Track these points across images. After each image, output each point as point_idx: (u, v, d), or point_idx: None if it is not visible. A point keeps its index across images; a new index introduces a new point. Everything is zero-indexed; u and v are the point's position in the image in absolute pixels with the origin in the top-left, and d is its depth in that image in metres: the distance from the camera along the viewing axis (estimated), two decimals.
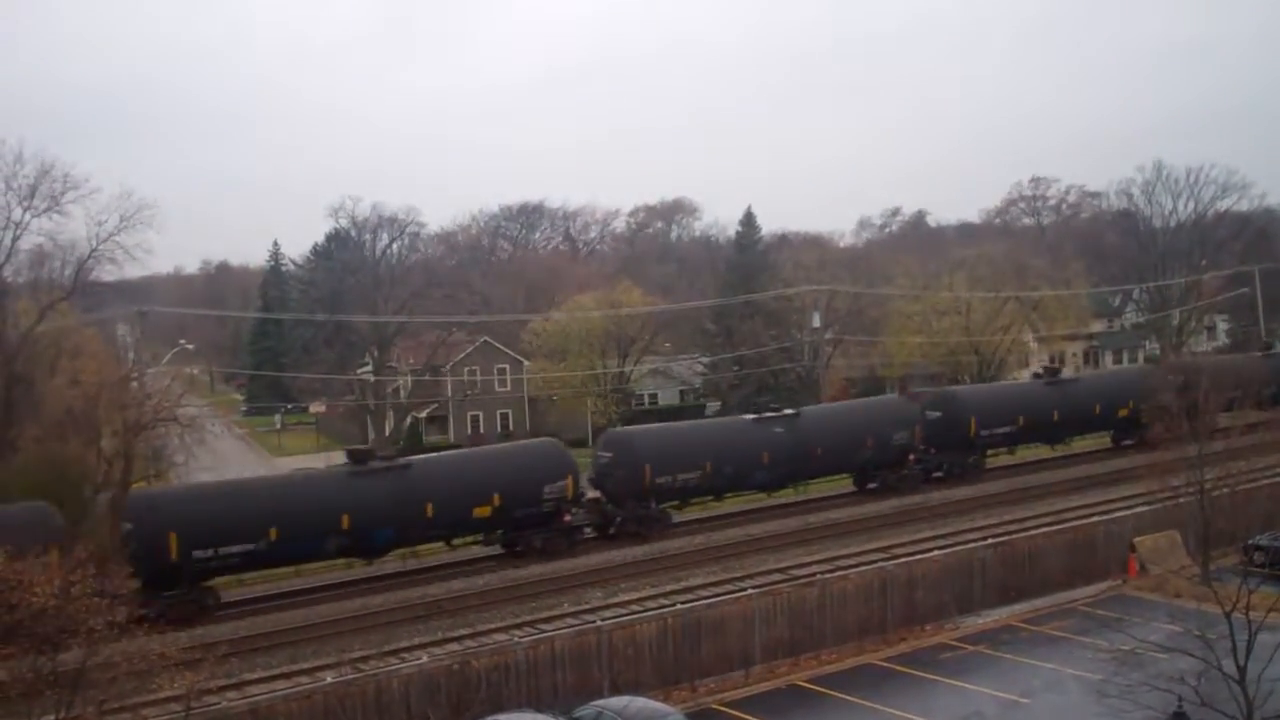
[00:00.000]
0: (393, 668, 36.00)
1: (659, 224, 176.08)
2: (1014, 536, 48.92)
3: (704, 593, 45.59)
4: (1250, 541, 44.64)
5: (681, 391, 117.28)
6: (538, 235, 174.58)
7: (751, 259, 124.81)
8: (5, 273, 73.38)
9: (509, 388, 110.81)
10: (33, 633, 28.51)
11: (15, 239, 71.04)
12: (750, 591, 42.00)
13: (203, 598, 48.22)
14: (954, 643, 40.71)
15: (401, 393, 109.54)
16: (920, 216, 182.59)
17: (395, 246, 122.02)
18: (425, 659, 36.93)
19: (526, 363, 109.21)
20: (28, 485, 54.91)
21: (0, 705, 29.02)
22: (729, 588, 45.50)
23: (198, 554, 47.35)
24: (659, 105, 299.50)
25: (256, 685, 37.41)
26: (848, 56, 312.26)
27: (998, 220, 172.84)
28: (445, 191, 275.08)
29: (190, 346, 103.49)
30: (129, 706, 31.37)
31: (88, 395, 65.40)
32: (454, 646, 40.49)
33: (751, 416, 65.06)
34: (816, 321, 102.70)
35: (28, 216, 69.89)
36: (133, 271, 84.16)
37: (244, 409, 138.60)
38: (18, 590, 28.34)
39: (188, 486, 61.53)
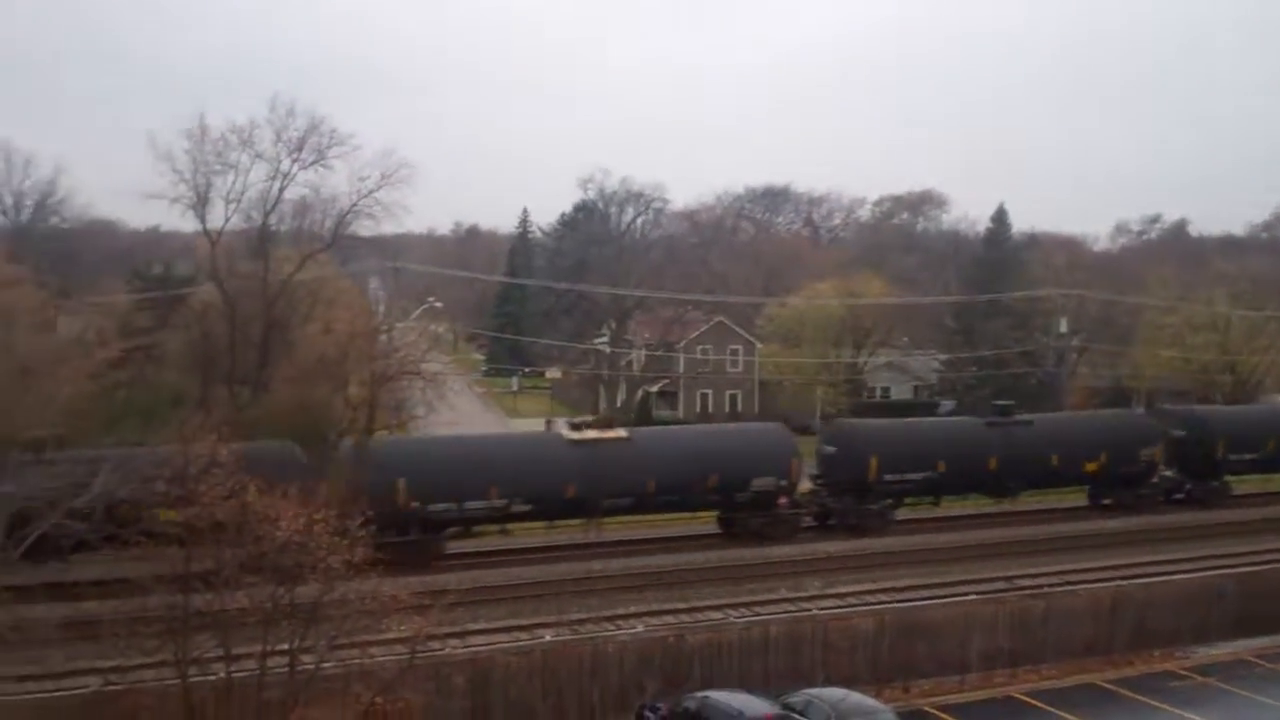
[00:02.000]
0: (609, 633, 36.68)
1: (905, 215, 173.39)
2: (1263, 568, 47.03)
3: (923, 593, 45.13)
4: None
5: (915, 387, 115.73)
6: (780, 219, 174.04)
7: (999, 257, 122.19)
8: (270, 221, 76.66)
9: (740, 369, 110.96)
10: (275, 565, 29.93)
11: (282, 189, 74.15)
12: (972, 597, 41.46)
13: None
14: (1184, 671, 39.53)
15: (635, 366, 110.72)
16: (1181, 225, 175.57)
17: (639, 221, 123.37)
18: (641, 628, 37.50)
19: (759, 345, 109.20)
20: (276, 425, 57.41)
21: (240, 631, 30.57)
22: (947, 591, 44.97)
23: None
24: (918, 93, 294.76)
25: (477, 636, 38.52)
26: (1130, 59, 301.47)
27: (1264, 235, 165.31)
28: (692, 169, 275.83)
29: (438, 305, 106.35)
30: (358, 643, 32.61)
31: (339, 344, 68.04)
32: (669, 619, 41.01)
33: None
34: (1063, 327, 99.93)
35: (295, 168, 72.82)
36: (388, 228, 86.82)
37: (483, 369, 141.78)
38: (264, 523, 29.77)
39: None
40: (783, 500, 55.42)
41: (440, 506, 50.02)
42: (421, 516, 49.79)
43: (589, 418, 64.06)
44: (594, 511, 53.14)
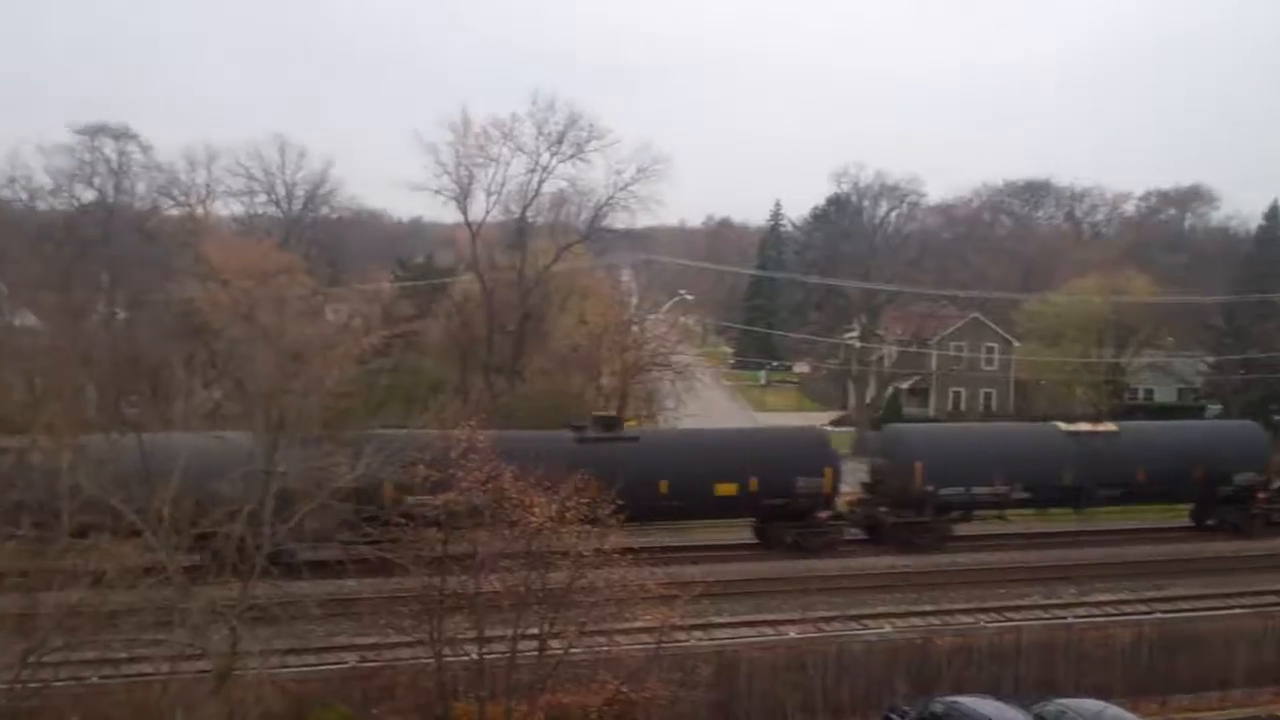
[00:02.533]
0: (855, 632, 36.29)
1: (1171, 211, 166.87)
2: None
3: (1183, 604, 43.21)
4: None
5: (1180, 390, 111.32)
6: (1040, 213, 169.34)
7: (1272, 256, 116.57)
8: (528, 213, 78.37)
9: (995, 367, 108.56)
10: (528, 550, 30.53)
11: (541, 182, 75.77)
12: (1237, 611, 39.67)
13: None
14: None
15: (885, 361, 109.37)
16: None
17: (893, 215, 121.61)
18: (888, 628, 36.99)
19: (1016, 343, 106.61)
20: (530, 412, 58.50)
21: (492, 614, 31.27)
22: (1211, 604, 42.79)
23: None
24: (1185, 87, 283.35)
25: (721, 630, 38.50)
26: None
27: None
28: (949, 163, 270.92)
29: (689, 297, 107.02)
30: (605, 631, 32.98)
31: (592, 334, 69.18)
32: (917, 621, 40.29)
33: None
34: None
35: (554, 162, 74.38)
36: (642, 221, 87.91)
37: (731, 362, 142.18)
38: (518, 509, 30.38)
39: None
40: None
41: (952, 490, 52.08)
42: (935, 500, 51.93)
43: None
44: (1089, 500, 54.75)
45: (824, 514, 51.37)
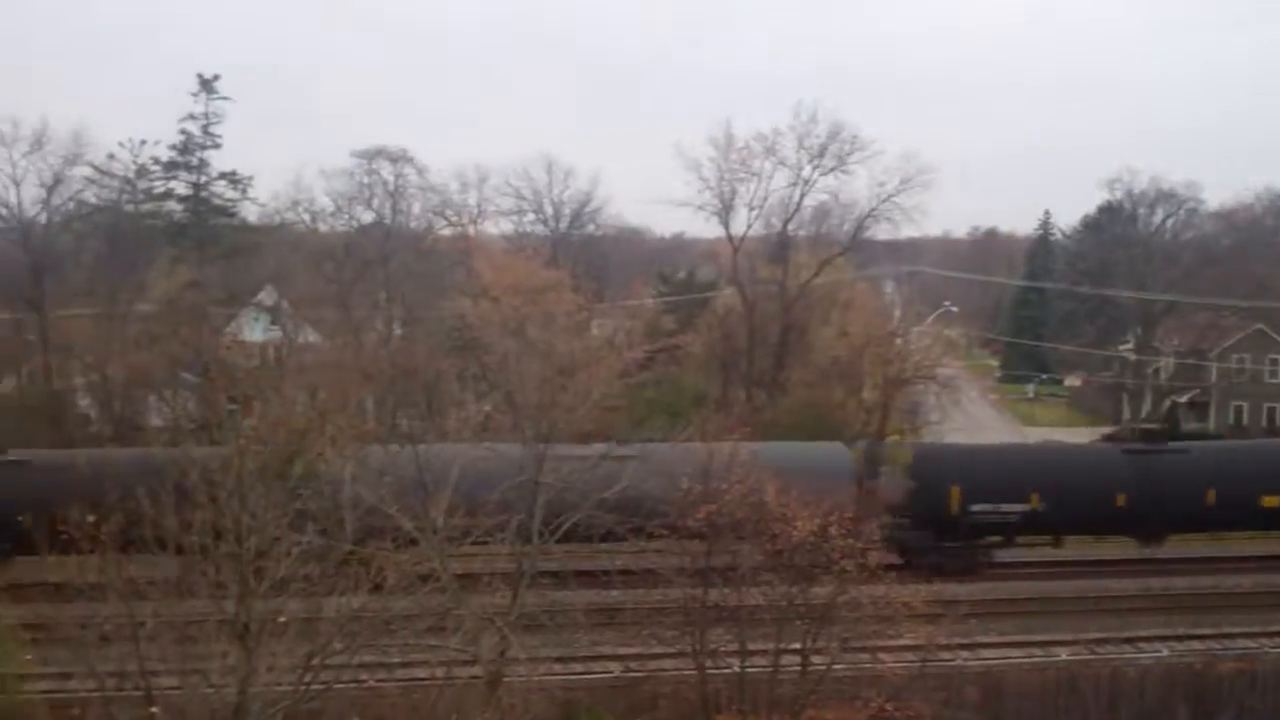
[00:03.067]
0: (1129, 656, 35.14)
1: None
2: None
3: None
4: None
5: None
6: None
7: None
8: (790, 226, 78.35)
9: None
10: (790, 565, 30.55)
11: (803, 195, 75.73)
12: None
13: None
14: None
15: (1162, 374, 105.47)
16: None
17: (1169, 222, 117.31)
18: (1165, 652, 35.68)
19: None
20: (791, 426, 58.45)
21: (754, 628, 31.39)
22: None
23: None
24: None
25: (988, 649, 37.72)
26: None
27: None
28: (1229, 168, 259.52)
29: (954, 309, 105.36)
30: (868, 648, 32.76)
31: (854, 347, 68.71)
32: (1196, 645, 38.63)
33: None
34: None
35: (815, 174, 74.25)
36: (905, 232, 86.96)
37: (998, 375, 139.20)
38: (780, 522, 30.44)
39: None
40: None
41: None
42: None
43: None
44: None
45: None
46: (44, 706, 19.92)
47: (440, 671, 27.90)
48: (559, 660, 34.51)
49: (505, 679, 28.23)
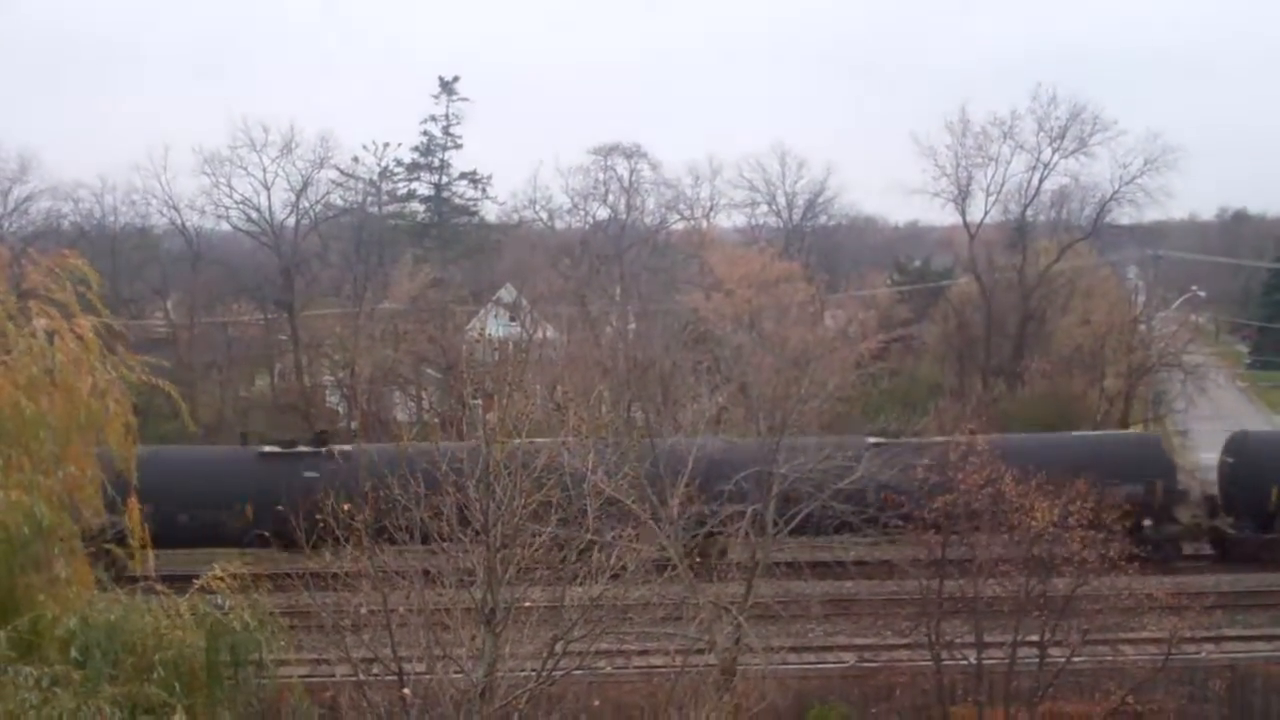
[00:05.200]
0: None
1: None
2: None
3: None
4: None
5: None
6: None
7: None
8: (1028, 212, 76.98)
9: None
10: (1029, 555, 30.26)
11: (1041, 179, 74.33)
12: None
13: None
14: None
15: None
16: None
17: None
18: None
19: None
20: (1030, 416, 57.57)
21: (991, 619, 31.19)
22: None
23: None
24: None
25: (1234, 642, 36.55)
26: None
27: None
28: None
29: (1201, 294, 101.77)
30: (1109, 640, 32.22)
31: (1095, 335, 67.13)
32: None
33: None
34: None
35: (1056, 157, 72.83)
36: (1149, 215, 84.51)
37: (1247, 362, 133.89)
38: (1019, 513, 30.16)
39: None
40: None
41: None
42: None
43: None
44: None
45: None
46: (302, 689, 21.01)
47: (676, 659, 28.48)
48: (793, 650, 34.88)
49: (740, 667, 28.67)
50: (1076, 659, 30.66)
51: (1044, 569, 30.22)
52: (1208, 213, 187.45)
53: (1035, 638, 30.35)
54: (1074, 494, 30.38)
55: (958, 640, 31.50)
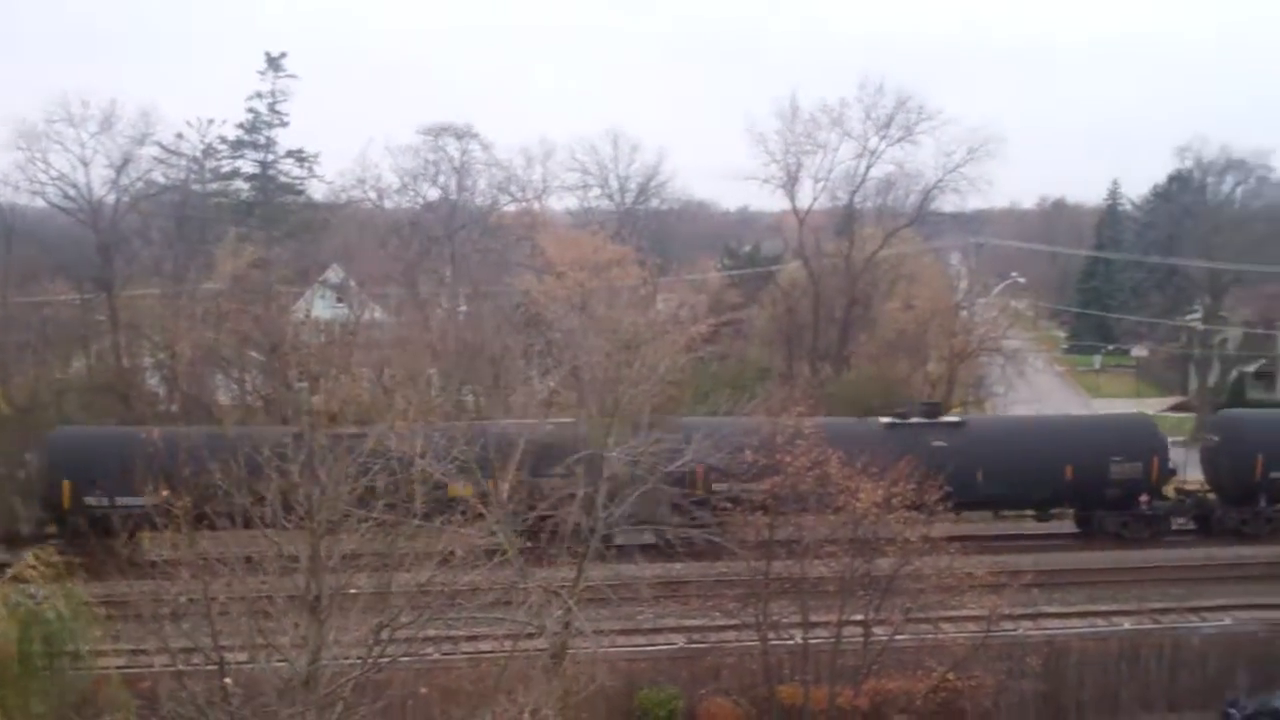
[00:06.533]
0: (1193, 625, 35.08)
1: None
2: None
3: None
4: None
5: None
6: None
7: None
8: (855, 198, 78.13)
9: None
10: (853, 536, 30.74)
11: (869, 167, 75.50)
12: None
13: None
14: None
15: (1230, 344, 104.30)
16: None
17: (1239, 190, 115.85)
18: (1229, 621, 35.58)
19: None
20: (855, 399, 58.43)
21: (817, 599, 31.63)
22: None
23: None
24: None
25: (1052, 620, 37.64)
26: None
27: None
28: None
29: (1020, 280, 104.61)
30: (931, 618, 32.90)
31: (919, 320, 68.48)
32: (1260, 614, 38.29)
33: None
34: None
35: (883, 145, 74.03)
36: (972, 203, 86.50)
37: (1064, 347, 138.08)
38: (844, 495, 30.62)
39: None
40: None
41: None
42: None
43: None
44: None
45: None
46: (119, 680, 20.41)
47: (505, 644, 28.32)
48: (623, 633, 34.95)
49: (570, 651, 28.61)
50: (900, 637, 31.28)
51: (869, 549, 30.73)
52: (1028, 201, 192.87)
53: (860, 617, 30.87)
54: (896, 475, 30.98)
55: (785, 621, 31.88)
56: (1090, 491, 48.52)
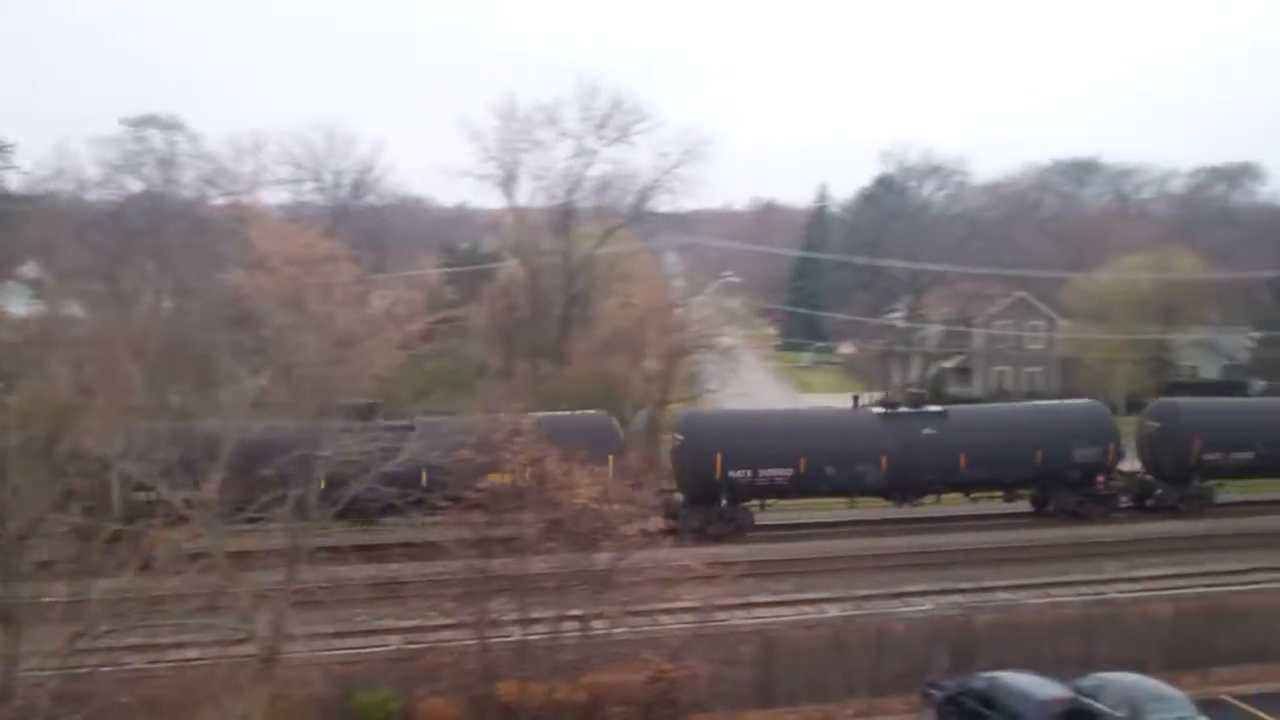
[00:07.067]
0: (896, 611, 36.40)
1: (1220, 187, 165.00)
2: None
3: (1232, 580, 42.79)
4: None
5: (1225, 366, 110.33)
6: (1087, 191, 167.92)
7: None
8: (573, 197, 78.58)
9: (1042, 345, 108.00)
10: (572, 532, 30.79)
11: (586, 166, 76.04)
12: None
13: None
14: None
15: (930, 341, 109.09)
16: None
17: (940, 195, 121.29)
18: (930, 606, 37.08)
19: (1062, 321, 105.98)
20: (576, 395, 58.73)
21: (536, 595, 31.55)
22: (1256, 577, 42.46)
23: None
24: (1239, 60, 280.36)
25: (763, 608, 38.59)
26: None
27: None
28: (997, 142, 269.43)
29: (734, 279, 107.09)
30: (648, 611, 33.24)
31: (636, 318, 69.28)
32: (959, 599, 40.20)
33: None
34: None
35: (599, 145, 74.68)
36: (686, 204, 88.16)
37: (776, 344, 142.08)
38: (563, 490, 30.64)
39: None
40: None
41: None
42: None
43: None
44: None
45: None
46: None
47: (213, 651, 27.39)
48: (337, 635, 34.26)
49: (281, 656, 27.84)
50: (617, 630, 31.48)
51: (586, 544, 30.83)
52: (741, 202, 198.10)
53: (579, 611, 30.94)
54: (617, 469, 31.20)
55: (504, 618, 31.72)
56: (1055, 473, 52.70)
